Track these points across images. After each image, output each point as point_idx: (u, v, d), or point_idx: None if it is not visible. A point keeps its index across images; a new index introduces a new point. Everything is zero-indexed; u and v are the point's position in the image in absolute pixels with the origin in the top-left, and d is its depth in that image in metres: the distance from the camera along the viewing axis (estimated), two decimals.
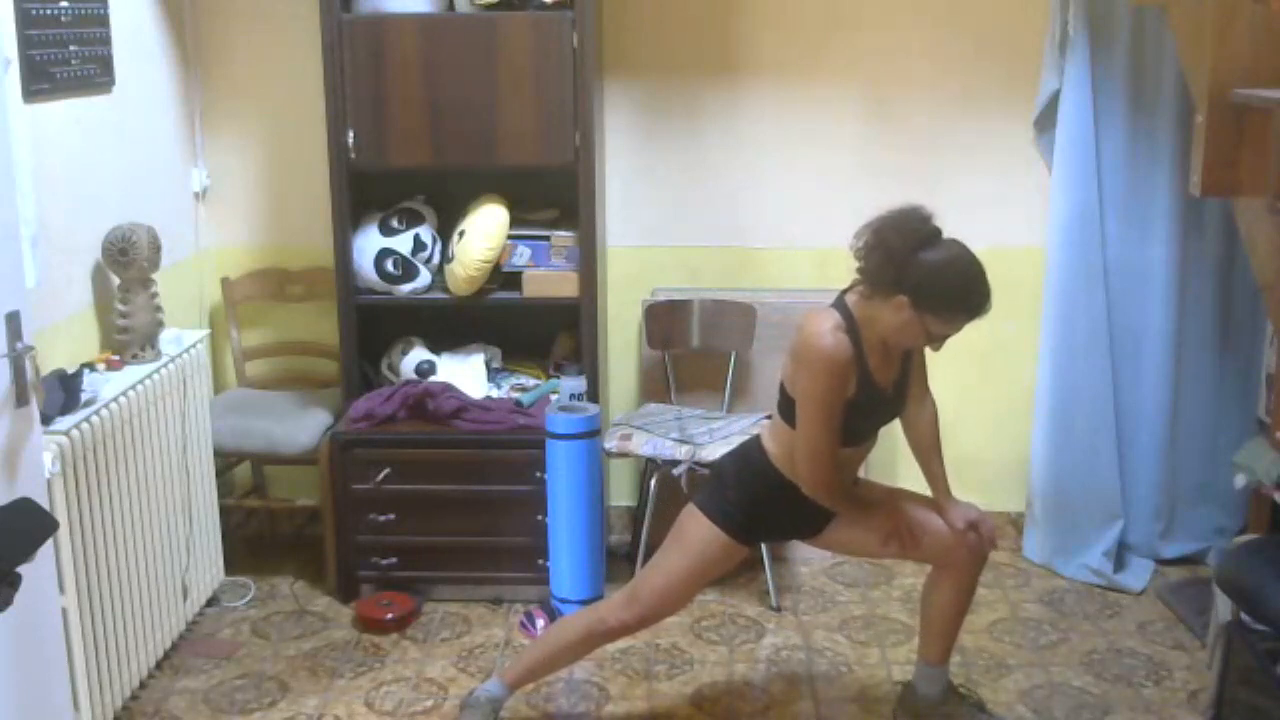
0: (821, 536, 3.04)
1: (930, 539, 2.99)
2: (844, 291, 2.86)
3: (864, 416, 2.88)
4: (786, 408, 2.87)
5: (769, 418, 3.04)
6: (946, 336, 2.77)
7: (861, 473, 3.49)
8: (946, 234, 2.74)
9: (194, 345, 3.67)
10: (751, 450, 3.00)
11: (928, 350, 2.97)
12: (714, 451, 3.63)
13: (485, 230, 3.79)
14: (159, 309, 3.52)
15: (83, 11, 3.42)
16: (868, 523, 2.98)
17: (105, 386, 3.19)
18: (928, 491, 3.09)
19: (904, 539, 2.96)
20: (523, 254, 3.88)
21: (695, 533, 2.97)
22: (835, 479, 2.87)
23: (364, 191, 3.93)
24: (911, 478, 3.24)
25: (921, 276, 2.67)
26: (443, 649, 3.66)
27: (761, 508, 2.95)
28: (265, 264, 4.30)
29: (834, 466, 2.85)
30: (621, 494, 4.43)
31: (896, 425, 3.13)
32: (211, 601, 3.85)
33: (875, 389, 2.85)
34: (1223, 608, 3.22)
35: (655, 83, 4.18)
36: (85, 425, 2.99)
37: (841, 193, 4.13)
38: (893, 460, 4.10)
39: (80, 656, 2.95)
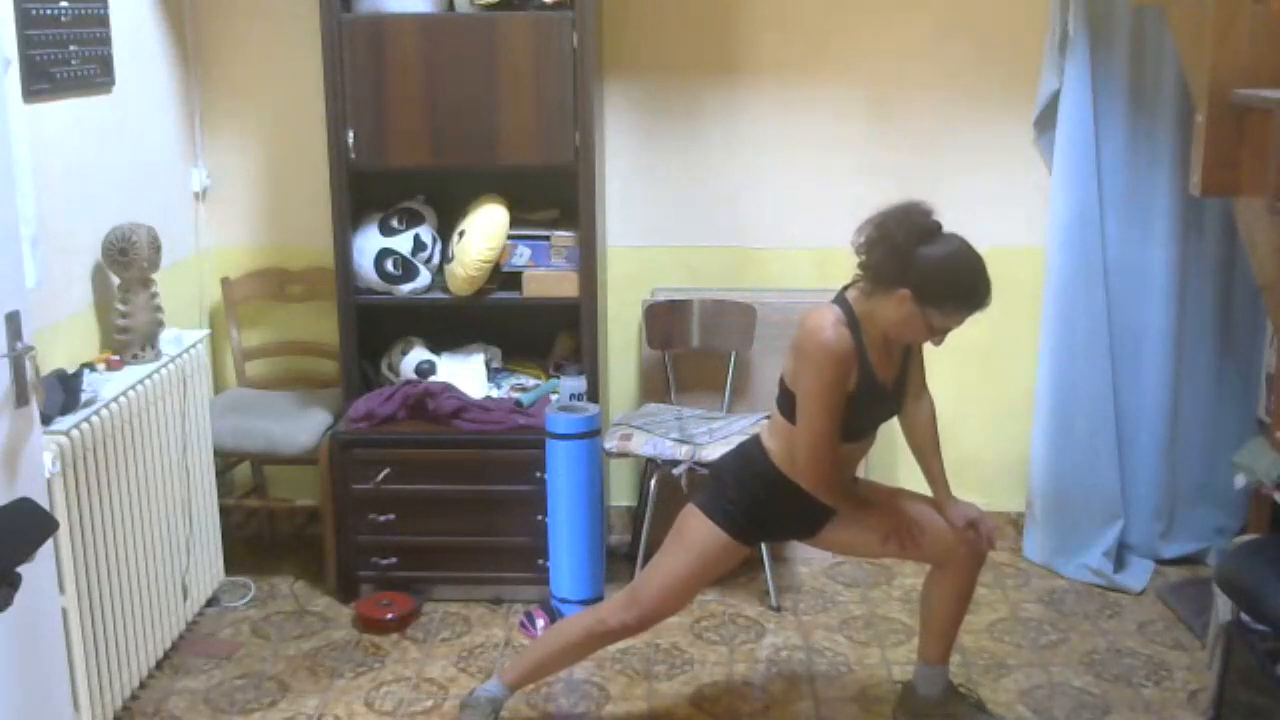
0: (821, 536, 3.04)
1: (930, 538, 2.99)
2: (844, 288, 2.86)
3: (864, 412, 2.89)
4: (786, 404, 2.87)
5: (769, 417, 3.05)
6: (948, 330, 2.78)
7: (862, 472, 3.50)
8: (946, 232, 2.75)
9: (194, 345, 3.67)
10: (751, 449, 3.00)
11: (928, 350, 2.97)
12: (714, 451, 3.63)
13: (485, 230, 3.79)
14: (159, 309, 3.52)
15: (83, 11, 3.42)
16: (867, 521, 2.98)
17: (105, 386, 3.19)
18: (928, 491, 3.10)
19: (903, 538, 2.96)
20: (523, 254, 3.88)
21: (695, 533, 2.97)
22: (835, 474, 2.88)
23: (364, 191, 3.93)
24: (912, 477, 3.24)
25: (924, 270, 2.68)
26: (443, 649, 3.66)
27: (762, 507, 2.96)
28: (265, 264, 4.30)
29: (834, 461, 2.85)
30: (621, 494, 4.42)
31: (897, 425, 3.14)
32: (211, 601, 3.85)
33: (875, 384, 2.85)
34: (1223, 608, 3.22)
35: (655, 83, 4.18)
36: (85, 425, 2.99)
37: (841, 193, 4.12)
38: (893, 460, 4.10)
39: (80, 656, 2.95)
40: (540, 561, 3.80)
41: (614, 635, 3.10)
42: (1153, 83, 3.92)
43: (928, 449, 3.09)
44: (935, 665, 3.17)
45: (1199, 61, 2.99)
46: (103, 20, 3.54)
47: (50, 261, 3.23)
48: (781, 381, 2.90)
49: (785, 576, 4.09)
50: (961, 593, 3.08)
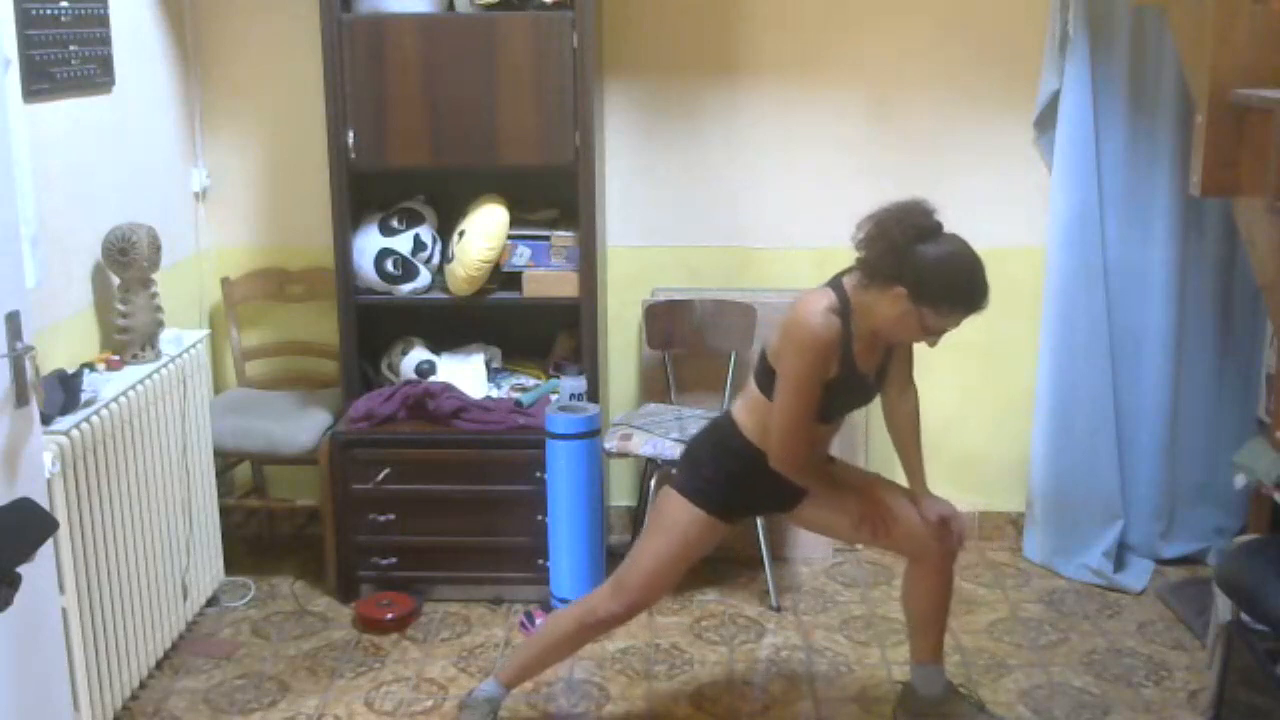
0: (798, 512, 3.06)
1: (902, 529, 3.00)
2: (842, 273, 2.86)
3: (840, 398, 2.90)
4: (765, 379, 2.88)
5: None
6: (943, 331, 2.78)
7: (862, 463, 3.49)
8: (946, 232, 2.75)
9: (194, 345, 3.67)
10: (723, 425, 3.01)
11: (924, 348, 2.96)
12: None
13: (485, 230, 3.79)
14: (159, 309, 3.52)
15: (83, 11, 3.42)
16: (840, 504, 3.00)
17: (105, 386, 3.19)
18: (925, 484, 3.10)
19: (875, 524, 2.97)
20: (523, 254, 3.88)
21: (674, 514, 2.98)
22: (805, 455, 2.88)
23: (364, 191, 3.93)
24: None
25: (921, 269, 2.68)
26: (443, 649, 3.66)
27: (736, 481, 2.96)
28: (265, 264, 4.30)
29: (806, 443, 2.86)
30: (621, 494, 4.42)
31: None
32: (211, 601, 3.85)
33: (855, 373, 2.86)
34: (1223, 608, 3.22)
35: (655, 83, 4.18)
36: (85, 425, 2.99)
37: (841, 193, 4.12)
38: (892, 456, 4.09)
39: (80, 656, 2.95)
40: (540, 561, 3.80)
41: (604, 625, 3.10)
42: (1153, 83, 3.92)
43: (908, 442, 3.10)
44: (929, 664, 3.17)
45: (1199, 61, 2.98)
46: (103, 20, 3.54)
47: (50, 261, 3.23)
48: (763, 356, 2.90)
49: (785, 576, 4.09)
50: (938, 590, 3.09)
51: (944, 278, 2.70)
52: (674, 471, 3.14)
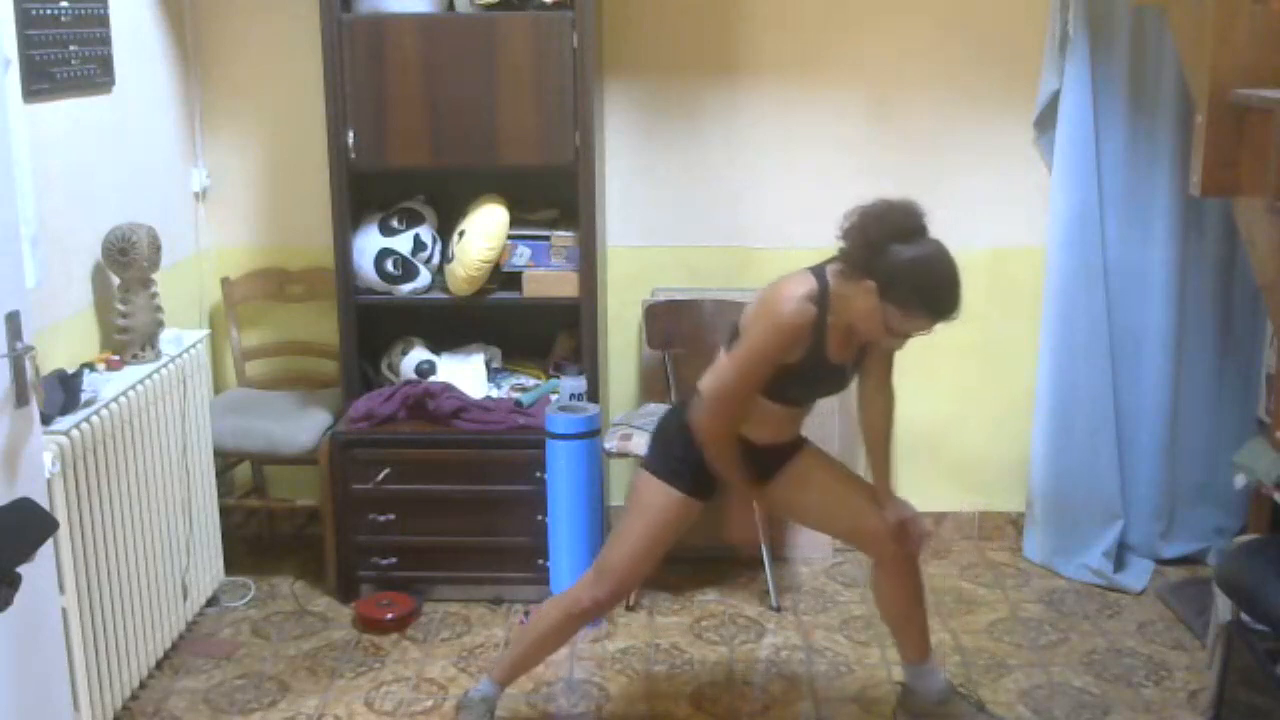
0: (767, 491, 3.06)
1: (851, 524, 3.07)
2: (827, 261, 2.85)
3: (804, 384, 2.90)
4: (732, 346, 2.88)
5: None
6: (907, 334, 2.75)
7: (860, 457, 3.48)
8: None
9: (194, 345, 3.67)
10: (692, 403, 2.99)
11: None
12: None
13: (485, 230, 3.80)
14: (159, 309, 3.52)
15: (83, 11, 3.42)
16: (739, 501, 3.05)
17: (105, 386, 3.20)
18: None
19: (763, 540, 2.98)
20: (523, 254, 3.88)
21: (649, 496, 2.98)
22: (726, 427, 2.86)
23: (364, 191, 3.93)
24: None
25: (890, 266, 2.66)
26: (443, 649, 3.66)
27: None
28: (265, 264, 4.30)
29: (733, 419, 2.85)
30: (621, 494, 4.41)
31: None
32: (211, 601, 3.85)
33: (825, 363, 2.85)
34: (1223, 608, 3.22)
35: (655, 83, 4.18)
36: (85, 425, 2.99)
37: (841, 193, 4.05)
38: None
39: (80, 656, 2.95)
40: (540, 561, 3.80)
41: (590, 613, 3.10)
42: (1153, 83, 3.92)
43: (878, 441, 3.10)
44: (919, 663, 3.17)
45: (1199, 61, 2.99)
46: (103, 20, 3.54)
47: (50, 261, 3.23)
48: (736, 325, 2.89)
49: (785, 576, 4.09)
50: (903, 590, 3.10)
51: (912, 279, 2.67)
52: (646, 452, 3.12)
